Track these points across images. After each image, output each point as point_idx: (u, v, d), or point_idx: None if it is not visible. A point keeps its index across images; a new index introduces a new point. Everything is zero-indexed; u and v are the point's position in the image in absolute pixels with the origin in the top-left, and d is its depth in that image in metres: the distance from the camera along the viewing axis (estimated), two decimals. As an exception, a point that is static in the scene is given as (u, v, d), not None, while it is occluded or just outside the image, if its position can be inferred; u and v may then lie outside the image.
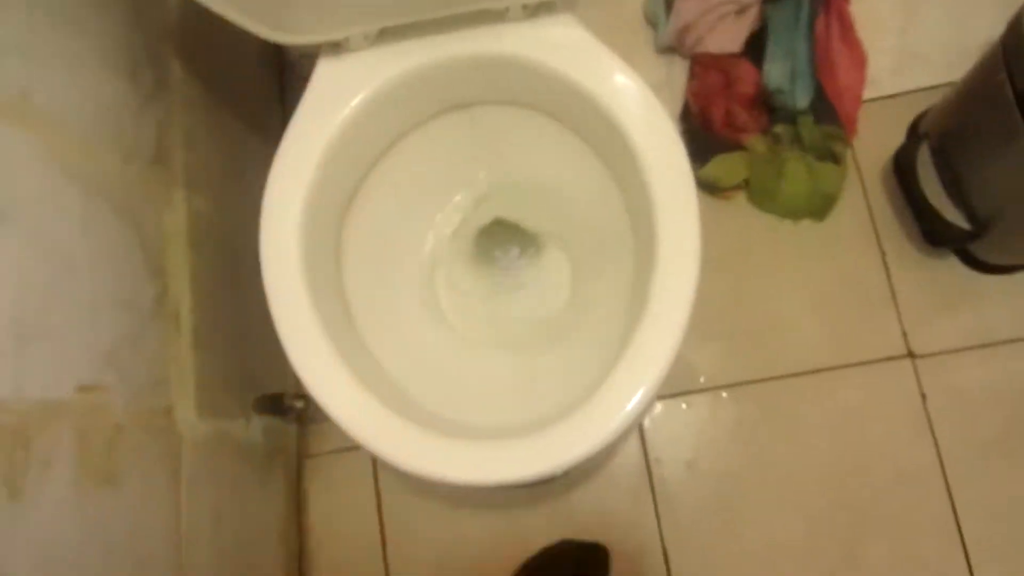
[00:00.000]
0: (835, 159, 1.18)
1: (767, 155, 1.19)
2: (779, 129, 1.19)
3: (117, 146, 0.75)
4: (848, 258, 1.20)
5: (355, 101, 0.79)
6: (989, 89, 0.98)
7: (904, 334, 1.16)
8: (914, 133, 1.18)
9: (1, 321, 0.57)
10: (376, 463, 1.17)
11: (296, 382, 1.06)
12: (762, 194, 1.20)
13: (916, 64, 1.25)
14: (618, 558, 1.11)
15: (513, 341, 0.95)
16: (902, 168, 1.16)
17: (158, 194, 0.81)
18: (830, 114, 1.18)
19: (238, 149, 1.03)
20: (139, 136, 0.79)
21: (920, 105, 1.19)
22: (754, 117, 1.20)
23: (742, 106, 1.19)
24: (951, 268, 1.18)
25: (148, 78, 0.81)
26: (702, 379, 1.17)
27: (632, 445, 1.15)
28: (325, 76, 0.80)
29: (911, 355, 1.15)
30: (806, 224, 1.21)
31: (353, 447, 1.14)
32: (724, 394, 1.16)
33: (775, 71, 1.17)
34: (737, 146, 1.19)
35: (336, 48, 0.79)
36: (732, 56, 1.20)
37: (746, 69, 1.19)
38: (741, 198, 1.23)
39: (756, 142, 1.19)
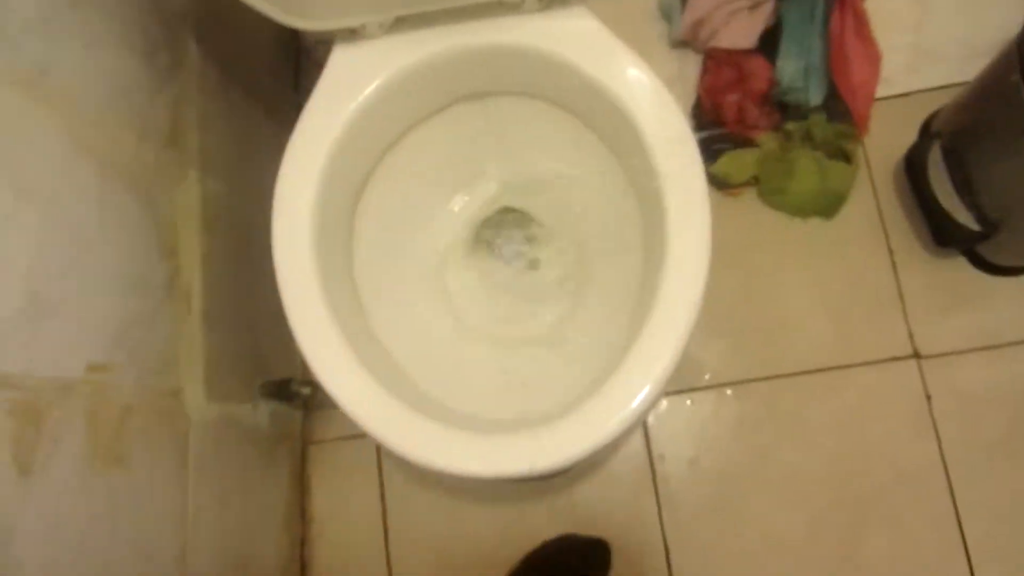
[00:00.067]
0: (846, 158, 1.17)
1: (778, 152, 1.18)
2: (791, 126, 1.19)
3: (133, 125, 0.75)
4: (856, 257, 1.19)
5: (369, 89, 0.79)
6: (1003, 90, 0.97)
7: (910, 334, 1.16)
8: (926, 133, 1.18)
9: (16, 296, 0.57)
10: (380, 452, 1.17)
11: (303, 368, 1.07)
12: (772, 191, 1.20)
13: (930, 62, 1.24)
14: (619, 554, 1.11)
15: (521, 332, 0.95)
16: (913, 167, 1.16)
17: (172, 174, 0.82)
18: (842, 112, 1.18)
19: (251, 132, 1.03)
20: (155, 116, 0.79)
21: (933, 104, 1.18)
22: (766, 113, 1.19)
23: (754, 102, 1.19)
24: (959, 269, 1.18)
25: (165, 59, 0.81)
26: (707, 376, 1.17)
27: (636, 441, 1.16)
28: (340, 63, 0.80)
29: (917, 355, 1.15)
30: (815, 222, 1.21)
31: (358, 435, 1.13)
32: (729, 391, 1.16)
33: (789, 68, 1.17)
34: (748, 142, 1.19)
35: (352, 35, 0.79)
36: (746, 52, 1.19)
37: (759, 65, 1.19)
38: (750, 194, 1.23)
39: (767, 139, 1.19)
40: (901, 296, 1.17)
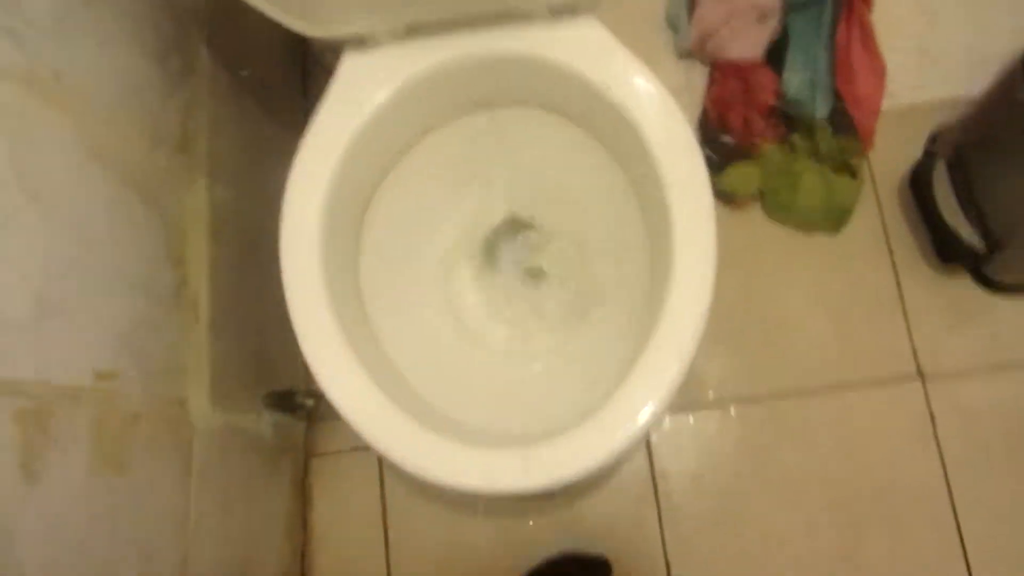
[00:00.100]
0: (851, 172, 1.17)
1: (783, 165, 1.18)
2: (796, 139, 1.19)
3: (144, 130, 0.75)
4: (861, 272, 1.19)
5: (379, 97, 0.79)
6: (1008, 107, 0.98)
7: (914, 352, 1.16)
8: (931, 149, 1.18)
9: (26, 301, 0.57)
10: (382, 464, 1.16)
11: (307, 379, 1.07)
12: (777, 205, 1.20)
13: (935, 76, 1.24)
14: (620, 571, 1.10)
15: (526, 343, 0.95)
16: (918, 183, 1.16)
17: (182, 180, 0.81)
18: (848, 125, 1.18)
19: (260, 138, 1.03)
20: (166, 121, 0.79)
21: (938, 117, 1.18)
22: (772, 125, 1.20)
23: (760, 114, 1.19)
24: (964, 286, 1.18)
25: (176, 64, 0.81)
26: (710, 393, 1.17)
27: (638, 458, 1.15)
28: (350, 70, 0.80)
29: (921, 374, 1.15)
30: (820, 236, 1.21)
31: (360, 447, 1.14)
32: (732, 409, 1.16)
33: (795, 80, 1.17)
34: (753, 156, 1.19)
35: (362, 42, 0.79)
36: (752, 63, 1.20)
37: (765, 77, 1.19)
38: (755, 208, 1.23)
39: (773, 151, 1.19)
40: (905, 313, 1.17)
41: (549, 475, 0.69)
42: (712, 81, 1.23)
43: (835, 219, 1.19)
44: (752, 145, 1.19)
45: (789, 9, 1.20)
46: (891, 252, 1.20)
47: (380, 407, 0.72)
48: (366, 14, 0.76)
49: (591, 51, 0.80)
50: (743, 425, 1.15)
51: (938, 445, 1.13)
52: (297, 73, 1.26)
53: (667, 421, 1.16)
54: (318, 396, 1.03)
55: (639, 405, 0.70)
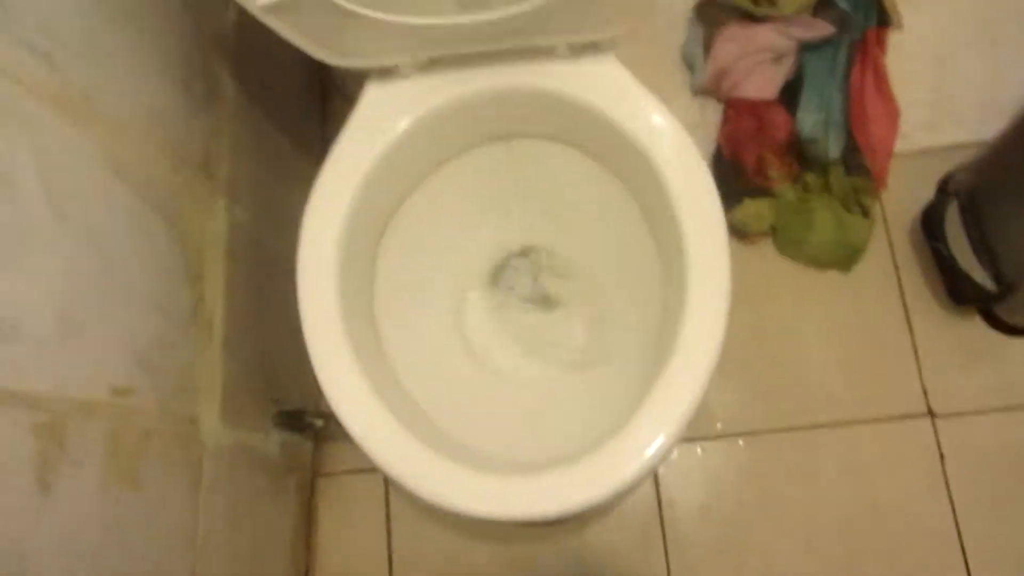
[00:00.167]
0: (864, 211, 1.18)
1: (796, 203, 1.19)
2: (809, 178, 1.20)
3: (168, 152, 0.76)
4: (871, 311, 1.20)
5: (400, 127, 0.80)
6: (1021, 151, 0.99)
7: (925, 392, 1.16)
8: (943, 190, 1.19)
9: (48, 317, 0.58)
10: (388, 486, 1.17)
11: (316, 399, 1.08)
12: (789, 242, 1.20)
13: (949, 120, 1.25)
14: (625, 598, 1.10)
15: (537, 373, 0.96)
16: (930, 224, 1.17)
17: (202, 202, 0.83)
18: (861, 166, 1.19)
19: (278, 162, 1.05)
20: (188, 143, 0.80)
21: (951, 161, 1.19)
22: (785, 164, 1.21)
23: (774, 152, 1.20)
24: (975, 327, 1.18)
25: (201, 88, 0.83)
26: (719, 425, 1.17)
27: (646, 486, 1.15)
28: (373, 100, 0.81)
29: (931, 414, 1.15)
30: (831, 274, 1.21)
31: (367, 469, 1.14)
32: (740, 441, 1.16)
33: (809, 120, 1.18)
34: (766, 192, 1.20)
35: (386, 73, 0.81)
36: (766, 102, 1.21)
37: (779, 116, 1.20)
38: (767, 244, 1.23)
39: (786, 189, 1.20)
40: (916, 352, 1.17)
41: (559, 504, 0.69)
42: (726, 119, 1.25)
43: (847, 257, 1.19)
44: (765, 182, 1.20)
45: (804, 50, 1.21)
46: (902, 291, 1.20)
47: (393, 433, 0.72)
48: (393, 49, 0.77)
49: (609, 88, 0.81)
50: (751, 457, 1.15)
51: (947, 484, 1.12)
52: (317, 98, 1.28)
53: (675, 451, 1.16)
54: (327, 416, 1.04)
55: (651, 437, 0.70)
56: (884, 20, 1.25)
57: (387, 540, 1.15)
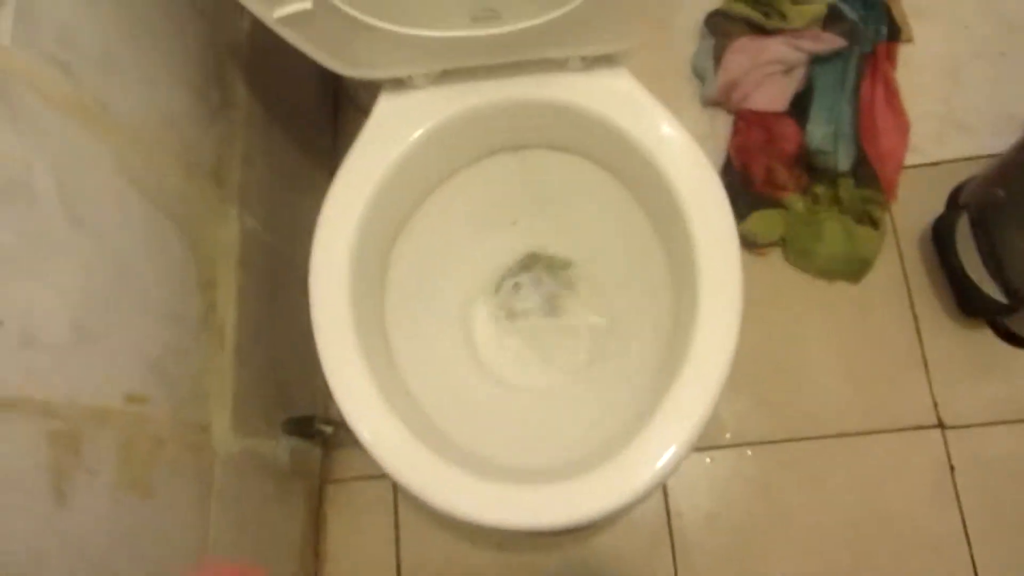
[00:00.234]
0: (873, 223, 1.18)
1: (805, 215, 1.20)
2: (819, 189, 1.20)
3: (182, 160, 0.77)
4: (881, 322, 1.20)
5: (412, 137, 0.81)
6: (1033, 165, 0.99)
7: (935, 403, 1.15)
8: (954, 203, 1.19)
9: (63, 325, 0.58)
10: (397, 493, 1.17)
11: (325, 406, 1.08)
12: (798, 253, 1.20)
13: (959, 133, 1.25)
14: (632, 608, 1.10)
15: (545, 382, 0.96)
16: (940, 237, 1.17)
17: (214, 210, 0.83)
18: (870, 178, 1.19)
19: (290, 171, 1.05)
20: (202, 152, 0.81)
21: (961, 174, 1.19)
22: (794, 176, 1.21)
23: (783, 164, 1.20)
24: (984, 340, 1.18)
25: (216, 97, 0.84)
26: (728, 435, 1.17)
27: (654, 495, 1.15)
28: (386, 111, 0.82)
29: (941, 425, 1.14)
30: (840, 285, 1.21)
31: (375, 475, 1.15)
32: (749, 451, 1.16)
33: (818, 132, 1.18)
34: (776, 203, 1.20)
35: (399, 84, 0.82)
36: (776, 114, 1.21)
37: (789, 128, 1.21)
38: (776, 255, 1.23)
39: (795, 201, 1.20)
40: (926, 364, 1.17)
41: (569, 514, 0.69)
42: (736, 130, 1.25)
43: (856, 269, 1.19)
44: (775, 194, 1.20)
45: (814, 62, 1.21)
46: (912, 303, 1.20)
47: (403, 441, 0.73)
48: (406, 61, 0.78)
49: (622, 100, 0.82)
50: (759, 467, 1.15)
51: (957, 496, 1.12)
52: (328, 107, 1.28)
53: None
54: (335, 423, 1.04)
55: (662, 448, 0.70)
56: (894, 33, 1.25)
57: (396, 547, 1.15)
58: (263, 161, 0.96)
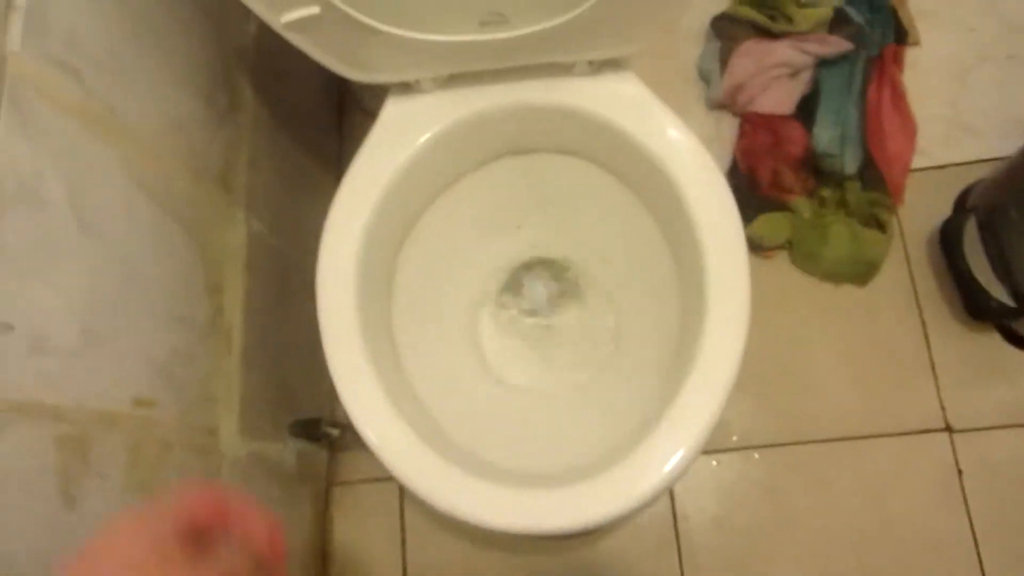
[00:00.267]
0: (880, 226, 1.18)
1: (812, 218, 1.19)
2: (825, 192, 1.20)
3: (189, 164, 0.77)
4: (888, 326, 1.19)
5: (419, 141, 0.81)
6: (1041, 168, 0.98)
7: (942, 407, 1.15)
8: (961, 206, 1.19)
9: (72, 330, 0.58)
10: (403, 496, 1.17)
11: (331, 409, 1.08)
12: (805, 256, 1.20)
13: (966, 136, 1.25)
14: (638, 611, 1.10)
15: (551, 386, 0.96)
16: (947, 240, 1.16)
17: (222, 214, 0.84)
18: (877, 181, 1.19)
19: (297, 175, 1.06)
20: (210, 156, 0.81)
21: (968, 178, 1.19)
22: (801, 179, 1.21)
23: (789, 167, 1.20)
24: (992, 343, 1.17)
25: (223, 101, 0.84)
26: (734, 438, 1.16)
27: (661, 498, 1.15)
28: (393, 115, 0.82)
29: (949, 429, 1.14)
30: (847, 288, 1.21)
31: (381, 478, 1.15)
32: (756, 454, 1.16)
33: (825, 135, 1.18)
34: (782, 206, 1.20)
35: (406, 88, 0.82)
36: (782, 117, 1.21)
37: (796, 131, 1.20)
38: (782, 258, 1.23)
39: (801, 204, 1.20)
40: (933, 367, 1.17)
41: (577, 518, 0.69)
42: (742, 133, 1.25)
43: (863, 272, 1.19)
44: (781, 197, 1.20)
45: (820, 65, 1.21)
46: (919, 306, 1.20)
47: (410, 444, 0.73)
48: (414, 65, 0.78)
49: (629, 104, 0.82)
50: (766, 470, 1.15)
51: (965, 500, 1.11)
52: (335, 111, 1.29)
53: (689, 464, 1.16)
54: (342, 426, 1.05)
55: (670, 452, 0.70)
56: (901, 36, 1.25)
57: (402, 549, 1.15)
58: (270, 165, 0.96)
